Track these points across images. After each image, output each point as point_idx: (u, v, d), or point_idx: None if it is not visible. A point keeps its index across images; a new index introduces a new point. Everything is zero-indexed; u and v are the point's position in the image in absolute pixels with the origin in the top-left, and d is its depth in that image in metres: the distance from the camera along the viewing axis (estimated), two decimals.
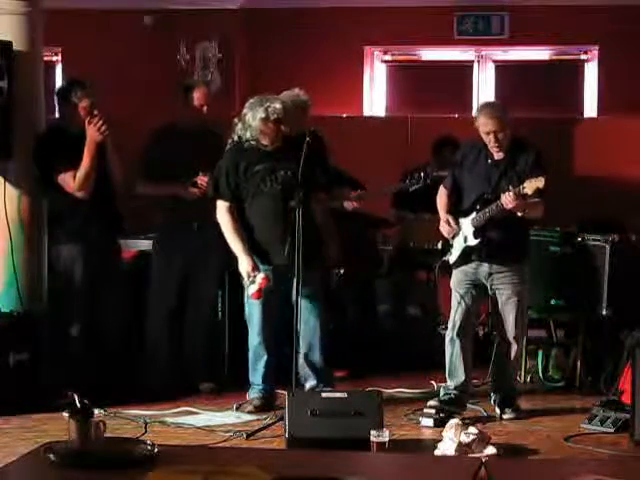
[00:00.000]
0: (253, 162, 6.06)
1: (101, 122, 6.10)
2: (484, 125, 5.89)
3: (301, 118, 6.84)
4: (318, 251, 6.12)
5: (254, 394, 6.19)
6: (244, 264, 6.00)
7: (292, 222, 5.78)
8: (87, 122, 6.12)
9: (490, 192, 5.90)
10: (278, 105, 6.05)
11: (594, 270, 6.76)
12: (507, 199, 5.71)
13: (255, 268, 5.96)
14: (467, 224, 5.99)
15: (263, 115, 6.00)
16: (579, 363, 6.77)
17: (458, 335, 5.97)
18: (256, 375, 6.20)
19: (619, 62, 9.16)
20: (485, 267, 5.97)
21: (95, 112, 6.17)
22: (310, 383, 6.15)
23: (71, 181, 6.18)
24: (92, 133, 6.11)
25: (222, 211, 6.12)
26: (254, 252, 6.04)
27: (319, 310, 6.14)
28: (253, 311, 6.12)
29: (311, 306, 6.09)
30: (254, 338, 6.17)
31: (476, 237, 5.94)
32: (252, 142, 6.07)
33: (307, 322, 6.07)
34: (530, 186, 5.64)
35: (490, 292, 6.02)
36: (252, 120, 6.03)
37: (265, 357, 6.15)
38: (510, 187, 5.74)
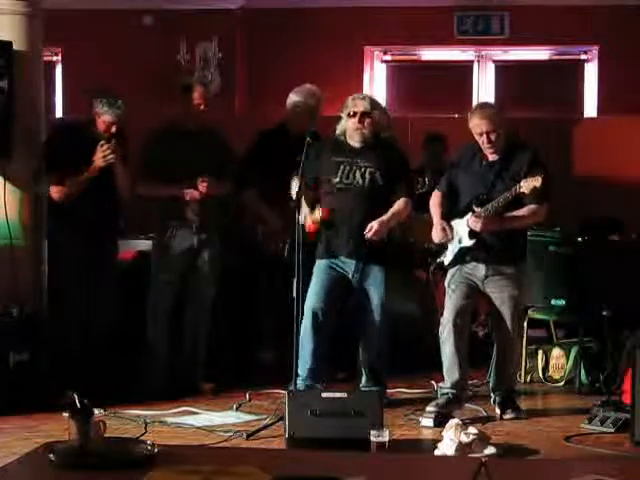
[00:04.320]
0: (335, 154, 6.17)
1: (109, 151, 6.15)
2: (477, 126, 5.89)
3: (315, 113, 6.85)
4: (381, 248, 6.15)
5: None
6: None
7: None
8: (99, 145, 6.16)
9: (485, 193, 5.90)
10: (360, 101, 6.16)
11: (594, 270, 6.76)
12: (471, 221, 5.79)
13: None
14: (462, 225, 5.98)
15: (348, 112, 6.14)
16: (579, 363, 6.77)
17: (451, 332, 5.93)
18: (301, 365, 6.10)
19: (619, 62, 9.17)
20: (481, 270, 5.96)
21: (113, 129, 6.20)
22: (362, 381, 6.24)
23: (53, 184, 6.21)
24: (97, 157, 6.16)
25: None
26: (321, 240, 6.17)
27: (381, 311, 6.18)
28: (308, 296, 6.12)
29: (375, 306, 6.16)
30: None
31: (471, 238, 5.94)
32: (342, 137, 6.20)
33: (370, 322, 6.18)
34: (526, 185, 5.63)
35: (485, 292, 6.01)
36: (342, 119, 6.19)
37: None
38: (474, 208, 5.80)
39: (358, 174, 6.14)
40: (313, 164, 6.12)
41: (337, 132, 6.23)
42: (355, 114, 6.13)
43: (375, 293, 6.17)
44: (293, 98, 6.95)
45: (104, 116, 6.25)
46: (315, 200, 6.19)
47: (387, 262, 6.19)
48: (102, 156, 6.17)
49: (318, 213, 6.14)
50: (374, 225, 6.05)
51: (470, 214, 5.90)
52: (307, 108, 6.90)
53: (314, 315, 6.10)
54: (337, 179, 6.14)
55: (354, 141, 6.17)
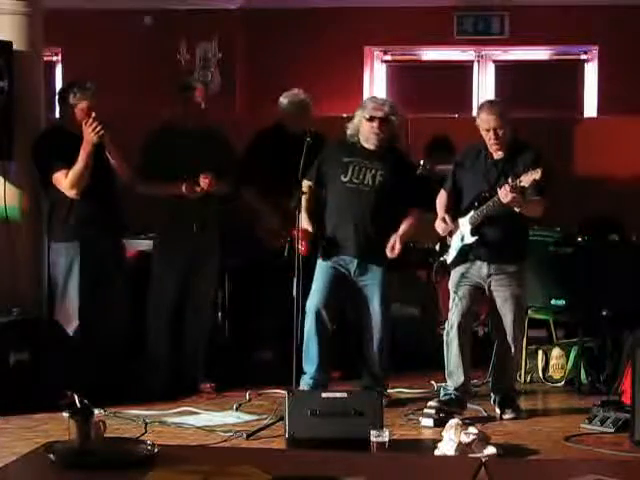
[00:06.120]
0: (345, 155, 6.20)
1: (96, 124, 6.11)
2: (485, 122, 5.87)
3: (302, 118, 6.86)
4: (382, 248, 6.17)
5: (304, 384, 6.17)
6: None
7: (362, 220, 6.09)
8: (84, 123, 6.13)
9: (488, 191, 5.89)
10: (381, 107, 6.15)
11: (594, 270, 6.75)
12: (503, 192, 5.69)
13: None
14: (465, 223, 5.98)
15: (367, 115, 6.13)
16: (579, 363, 6.76)
17: (456, 336, 5.95)
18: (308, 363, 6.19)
19: (619, 62, 9.17)
20: (484, 268, 5.96)
21: (93, 115, 6.17)
22: (362, 381, 6.28)
23: (63, 180, 6.18)
24: (87, 134, 6.12)
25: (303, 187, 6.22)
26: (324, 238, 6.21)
27: (383, 313, 6.23)
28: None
29: (377, 307, 6.20)
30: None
31: (473, 235, 5.93)
32: (354, 138, 6.21)
33: (373, 324, 6.22)
34: (527, 178, 5.62)
35: (488, 293, 6.01)
36: (357, 118, 6.20)
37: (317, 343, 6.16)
38: (508, 180, 5.72)
39: (369, 175, 6.17)
40: (322, 164, 6.20)
41: (349, 132, 6.23)
42: (373, 119, 6.13)
43: (376, 295, 6.19)
44: (281, 100, 7.07)
45: (80, 104, 6.21)
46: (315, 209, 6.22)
47: (387, 262, 6.20)
48: (91, 131, 6.12)
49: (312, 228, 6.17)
50: (396, 244, 6.12)
51: (472, 211, 5.90)
52: (295, 105, 6.97)
53: (317, 315, 6.14)
54: (346, 178, 6.17)
55: (368, 144, 6.18)
